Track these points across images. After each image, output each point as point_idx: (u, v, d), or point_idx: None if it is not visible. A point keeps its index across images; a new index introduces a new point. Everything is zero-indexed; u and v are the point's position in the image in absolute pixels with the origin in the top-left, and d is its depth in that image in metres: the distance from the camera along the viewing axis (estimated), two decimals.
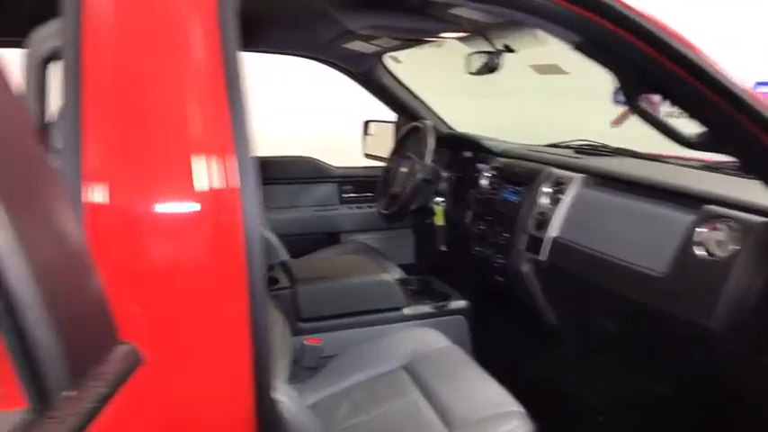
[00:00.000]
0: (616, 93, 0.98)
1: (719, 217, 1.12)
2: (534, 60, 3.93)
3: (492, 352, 1.74)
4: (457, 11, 1.37)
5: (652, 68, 0.86)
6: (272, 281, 1.78)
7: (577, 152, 1.84)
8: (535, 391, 1.33)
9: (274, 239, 2.12)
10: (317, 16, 1.72)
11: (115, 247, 0.58)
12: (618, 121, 3.02)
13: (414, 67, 2.55)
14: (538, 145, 2.11)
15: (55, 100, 0.67)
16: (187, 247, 0.60)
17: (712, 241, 1.11)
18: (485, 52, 1.80)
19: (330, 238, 2.58)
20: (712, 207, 1.15)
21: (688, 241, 1.15)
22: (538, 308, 1.66)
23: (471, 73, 1.84)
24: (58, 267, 0.48)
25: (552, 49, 1.17)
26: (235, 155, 0.61)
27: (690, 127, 0.94)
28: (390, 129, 2.50)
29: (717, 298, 1.06)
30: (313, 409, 1.32)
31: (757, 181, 1.00)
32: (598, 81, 1.05)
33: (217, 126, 0.61)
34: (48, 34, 0.69)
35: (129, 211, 0.58)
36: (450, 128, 2.50)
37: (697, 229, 1.15)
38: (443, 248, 2.15)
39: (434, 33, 1.74)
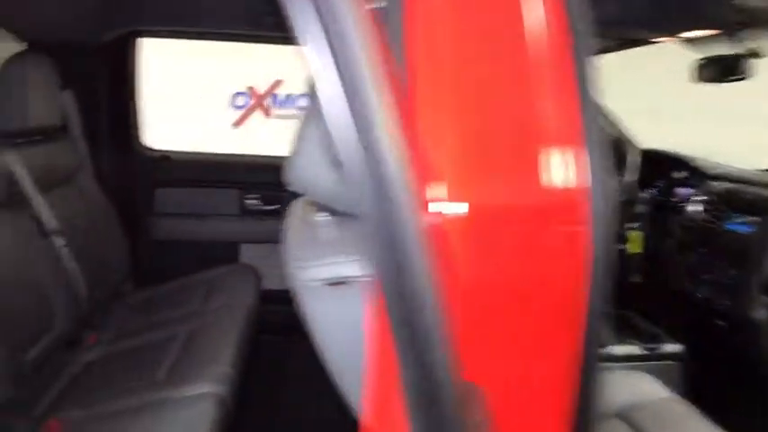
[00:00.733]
0: None
1: None
2: None
3: (710, 408, 1.49)
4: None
5: None
6: None
7: None
8: None
9: None
10: None
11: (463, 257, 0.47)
12: None
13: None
14: (757, 169, 1.86)
15: None
16: (530, 255, 0.49)
17: None
18: (720, 57, 1.55)
19: None
20: None
21: None
22: None
23: (702, 81, 1.61)
24: None
25: None
26: (584, 149, 0.49)
27: None
28: None
29: None
30: None
31: None
32: None
33: (565, 118, 0.50)
34: None
35: (480, 212, 0.48)
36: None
37: None
38: (636, 280, 1.93)
39: (675, 32, 1.53)
